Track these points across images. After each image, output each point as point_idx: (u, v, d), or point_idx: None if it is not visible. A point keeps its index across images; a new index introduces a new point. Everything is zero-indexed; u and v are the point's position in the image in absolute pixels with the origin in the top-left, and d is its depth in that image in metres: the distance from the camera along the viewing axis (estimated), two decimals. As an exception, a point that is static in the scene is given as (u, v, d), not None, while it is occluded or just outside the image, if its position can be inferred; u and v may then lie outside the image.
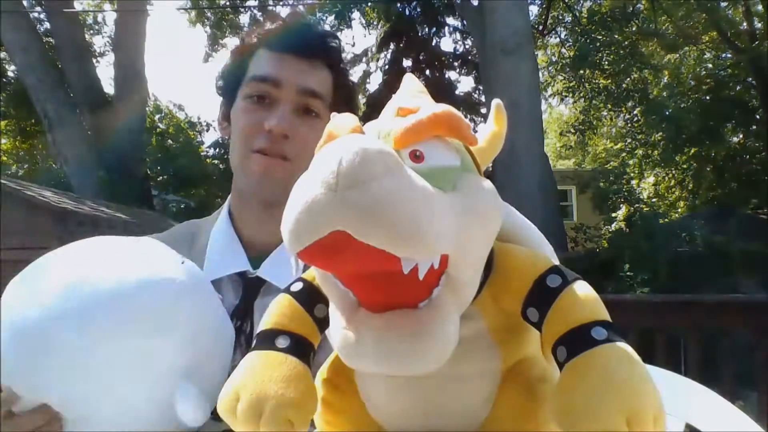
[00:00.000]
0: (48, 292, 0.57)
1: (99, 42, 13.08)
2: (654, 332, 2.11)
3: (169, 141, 12.58)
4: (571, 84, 11.87)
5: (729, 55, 11.79)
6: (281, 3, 11.44)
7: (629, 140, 13.06)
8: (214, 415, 0.64)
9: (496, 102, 0.48)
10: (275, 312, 0.47)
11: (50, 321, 0.55)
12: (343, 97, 0.90)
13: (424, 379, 0.42)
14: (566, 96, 12.50)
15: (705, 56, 12.56)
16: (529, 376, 0.43)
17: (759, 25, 11.24)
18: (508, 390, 0.44)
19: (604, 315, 0.38)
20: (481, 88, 11.73)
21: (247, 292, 0.82)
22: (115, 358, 0.56)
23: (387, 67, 12.26)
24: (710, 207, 10.59)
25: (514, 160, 6.55)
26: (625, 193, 9.83)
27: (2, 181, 5.46)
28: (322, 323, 0.46)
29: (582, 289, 0.39)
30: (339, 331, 0.37)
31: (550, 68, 12.98)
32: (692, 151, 11.51)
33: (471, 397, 0.44)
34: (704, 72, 11.99)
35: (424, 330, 0.34)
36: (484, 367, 0.44)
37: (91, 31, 12.76)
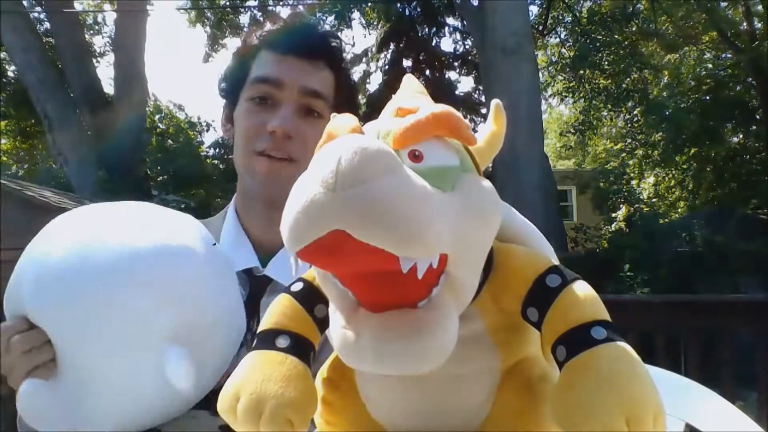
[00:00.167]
0: (76, 240, 0.61)
1: (99, 42, 13.09)
2: (654, 332, 2.11)
3: (169, 141, 12.57)
4: (571, 84, 11.87)
5: (729, 55, 11.80)
6: (281, 3, 11.44)
7: (629, 140, 13.06)
8: (212, 411, 0.64)
9: (495, 102, 0.48)
10: (275, 312, 0.47)
11: (72, 264, 0.59)
12: (345, 97, 0.91)
13: (424, 378, 0.42)
14: (566, 96, 12.50)
15: (705, 56, 12.57)
16: (529, 376, 0.43)
17: (759, 25, 11.24)
18: (507, 390, 0.44)
19: (604, 315, 0.38)
20: (481, 88, 11.73)
21: (254, 290, 0.82)
22: (118, 312, 0.58)
23: (387, 67, 12.26)
24: (710, 207, 10.59)
25: (514, 160, 6.56)
26: (625, 193, 9.84)
27: (2, 181, 5.46)
28: (322, 323, 0.46)
29: (582, 288, 0.39)
30: (338, 330, 0.37)
31: (550, 68, 12.98)
32: (692, 151, 11.51)
33: (471, 397, 0.44)
34: (704, 72, 11.99)
35: (424, 329, 0.34)
36: (483, 367, 0.44)
37: (91, 31, 12.76)
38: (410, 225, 0.31)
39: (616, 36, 10.56)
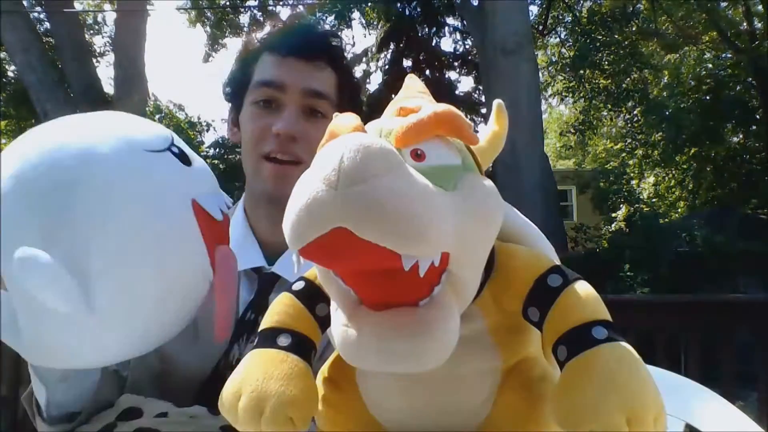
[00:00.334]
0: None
1: (99, 42, 13.09)
2: (654, 332, 2.11)
3: (170, 141, 12.54)
4: (571, 84, 11.87)
5: (729, 55, 11.79)
6: (281, 3, 11.45)
7: (629, 140, 13.06)
8: (213, 410, 0.65)
9: (497, 102, 0.48)
10: (277, 310, 0.47)
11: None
12: (348, 96, 0.91)
13: (425, 377, 0.42)
14: (566, 96, 12.50)
15: (705, 56, 12.56)
16: (529, 375, 0.43)
17: (759, 25, 11.24)
18: (508, 389, 0.44)
19: (605, 315, 0.38)
20: (481, 88, 11.72)
21: (262, 287, 0.83)
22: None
23: (387, 67, 12.26)
24: (710, 207, 10.60)
25: (514, 160, 6.55)
26: (625, 193, 9.83)
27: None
28: (324, 322, 0.46)
29: (583, 288, 0.40)
30: (340, 328, 0.37)
31: (550, 68, 12.98)
32: (692, 151, 11.51)
33: (471, 397, 0.45)
34: (704, 72, 11.99)
35: (425, 328, 0.34)
36: (484, 367, 0.44)
37: (91, 31, 12.76)
38: (412, 223, 0.31)
39: (616, 36, 10.57)
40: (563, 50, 12.57)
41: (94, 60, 10.99)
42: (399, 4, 11.66)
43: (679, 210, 12.27)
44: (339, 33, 1.05)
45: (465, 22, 10.95)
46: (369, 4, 11.74)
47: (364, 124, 0.40)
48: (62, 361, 0.54)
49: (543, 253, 0.45)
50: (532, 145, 6.81)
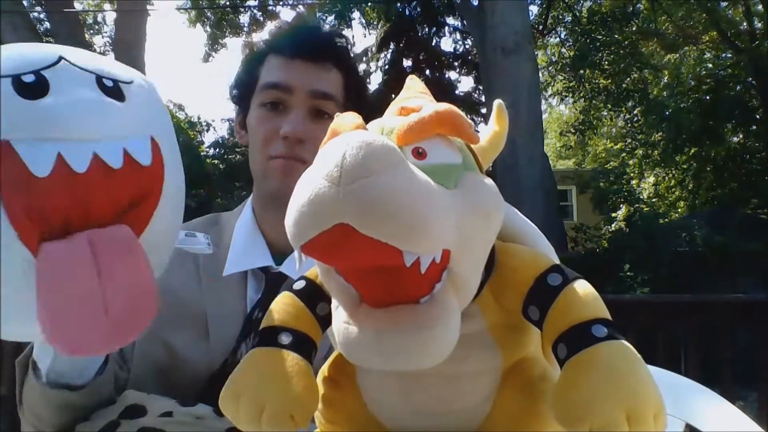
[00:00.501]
0: None
1: (99, 42, 13.10)
2: (654, 332, 2.11)
3: (169, 141, 12.53)
4: (571, 84, 11.88)
5: (729, 55, 11.79)
6: (281, 3, 11.45)
7: (629, 140, 13.07)
8: (218, 410, 0.64)
9: (497, 102, 0.48)
10: (277, 309, 0.47)
11: None
12: (354, 95, 0.92)
13: (425, 376, 0.43)
14: (566, 96, 12.51)
15: (705, 56, 12.56)
16: (529, 375, 0.43)
17: (759, 25, 11.24)
18: (508, 389, 0.44)
19: (605, 313, 0.38)
20: (481, 88, 11.73)
21: (269, 287, 0.83)
22: None
23: (387, 67, 12.26)
24: (710, 207, 10.59)
25: (514, 160, 6.56)
26: (625, 193, 9.84)
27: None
28: (324, 321, 0.46)
29: (583, 287, 0.40)
30: (341, 326, 0.37)
31: (550, 68, 12.99)
32: (692, 151, 11.51)
33: (471, 396, 0.45)
34: (704, 72, 11.98)
35: (426, 325, 0.35)
36: (484, 366, 0.44)
37: (91, 31, 12.77)
38: (413, 219, 0.32)
39: (616, 36, 10.58)
40: (563, 50, 12.58)
41: (94, 60, 10.97)
42: (399, 4, 11.67)
43: (679, 210, 12.27)
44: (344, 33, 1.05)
45: (465, 22, 10.95)
46: (369, 4, 11.75)
47: (366, 123, 0.40)
48: None
49: (543, 252, 0.45)
50: (532, 145, 6.81)
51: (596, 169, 12.56)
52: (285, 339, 0.44)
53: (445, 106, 0.39)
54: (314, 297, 0.47)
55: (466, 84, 40.67)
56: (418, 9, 11.96)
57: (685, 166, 12.15)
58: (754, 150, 11.28)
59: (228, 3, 12.08)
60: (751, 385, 2.03)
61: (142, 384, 0.72)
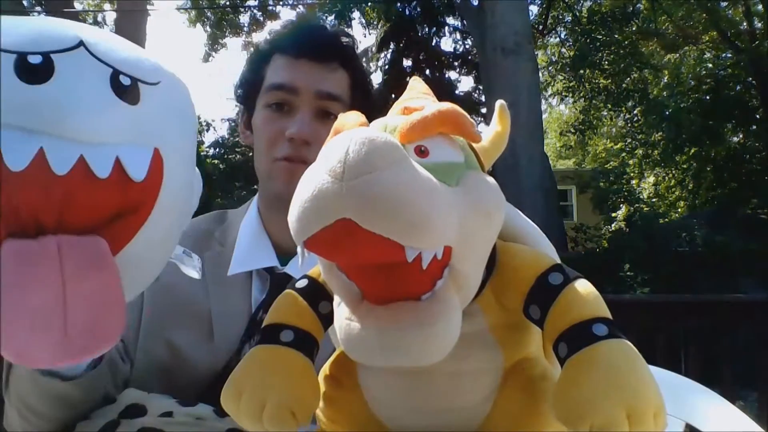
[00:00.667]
0: None
1: (99, 42, 13.07)
2: (654, 332, 2.11)
3: (169, 141, 12.52)
4: (571, 84, 11.88)
5: (729, 55, 11.79)
6: (281, 3, 11.45)
7: (629, 140, 13.08)
8: (219, 410, 0.64)
9: (500, 103, 0.48)
10: (280, 307, 0.47)
11: None
12: (361, 95, 0.91)
13: (426, 374, 0.43)
14: (566, 96, 12.51)
15: (705, 56, 12.56)
16: (530, 374, 0.43)
17: (759, 25, 11.24)
18: (509, 388, 0.44)
19: (605, 312, 0.38)
20: (481, 88, 11.73)
21: (274, 287, 0.83)
22: None
23: (387, 67, 12.25)
24: (710, 207, 10.59)
25: (514, 160, 6.56)
26: (625, 193, 9.85)
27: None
28: (326, 320, 0.46)
29: (583, 286, 0.40)
30: (343, 322, 0.38)
31: (550, 68, 12.99)
32: (692, 151, 11.51)
33: (472, 395, 0.45)
34: (704, 72, 11.98)
35: (427, 322, 0.35)
36: (485, 365, 0.44)
37: (91, 31, 12.75)
38: (416, 214, 0.32)
39: (616, 36, 10.58)
40: (563, 50, 12.58)
41: (94, 60, 10.97)
42: (399, 4, 11.67)
43: (679, 210, 12.27)
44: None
45: (465, 22, 10.95)
46: (369, 4, 11.74)
47: (369, 122, 0.41)
48: None
49: (544, 252, 0.45)
50: (532, 145, 6.81)
51: (596, 169, 12.58)
52: (287, 336, 0.44)
53: (447, 105, 0.39)
54: (316, 295, 0.47)
55: (466, 84, 40.71)
56: (418, 9, 11.95)
57: (685, 166, 12.15)
58: (754, 150, 11.28)
59: (228, 3, 12.08)
60: (751, 385, 2.03)
61: (145, 382, 0.72)
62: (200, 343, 0.78)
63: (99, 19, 12.89)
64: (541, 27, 11.91)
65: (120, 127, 0.40)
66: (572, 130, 13.28)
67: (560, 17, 12.46)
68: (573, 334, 0.37)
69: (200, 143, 13.41)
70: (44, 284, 0.36)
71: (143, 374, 0.76)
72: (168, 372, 0.77)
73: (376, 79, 12.79)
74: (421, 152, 0.37)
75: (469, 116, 0.40)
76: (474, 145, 0.43)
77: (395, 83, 10.40)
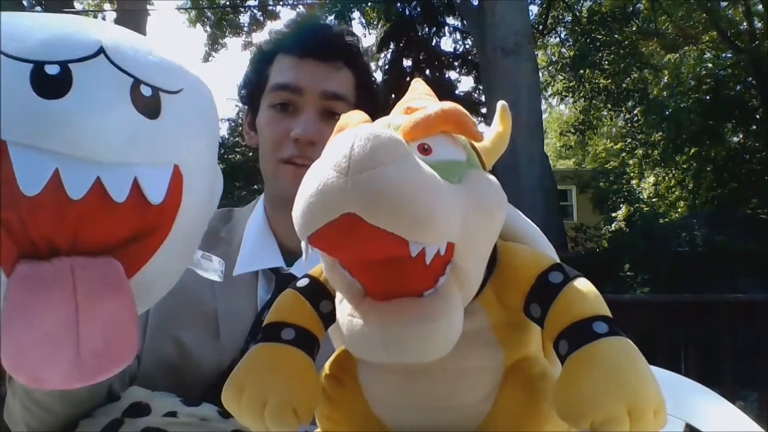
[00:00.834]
0: None
1: (99, 42, 13.07)
2: (654, 332, 2.11)
3: (169, 141, 12.53)
4: (571, 84, 11.89)
5: (729, 55, 11.80)
6: (281, 3, 11.45)
7: (629, 140, 13.08)
8: (223, 410, 0.64)
9: (501, 104, 0.48)
10: (281, 306, 0.47)
11: None
12: (366, 94, 0.90)
13: (426, 373, 0.43)
14: (566, 96, 12.52)
15: (705, 56, 12.56)
16: (530, 373, 0.44)
17: (759, 25, 11.25)
18: (509, 387, 0.44)
19: (606, 310, 0.38)
20: (481, 88, 11.73)
21: (279, 288, 0.83)
22: None
23: (387, 67, 12.25)
24: (710, 207, 10.60)
25: (514, 160, 6.56)
26: (625, 193, 9.86)
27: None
28: (327, 319, 0.46)
29: (583, 285, 0.40)
30: (345, 318, 0.38)
31: (550, 68, 13.00)
32: (692, 151, 11.52)
33: (472, 393, 0.45)
34: (704, 72, 11.98)
35: (430, 317, 0.35)
36: (486, 363, 0.44)
37: (91, 31, 12.75)
38: (420, 208, 0.32)
39: (616, 36, 10.59)
40: (563, 50, 12.59)
41: (94, 60, 10.97)
42: (399, 4, 11.67)
43: (679, 210, 12.27)
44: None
45: (465, 22, 10.95)
46: (369, 4, 11.75)
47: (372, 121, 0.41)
48: None
49: (544, 251, 0.45)
50: (532, 145, 6.82)
51: (596, 169, 12.59)
52: (288, 335, 0.44)
53: (450, 104, 0.40)
54: (317, 294, 0.47)
55: (466, 84, 40.70)
56: (418, 9, 11.96)
57: (685, 166, 12.15)
58: (754, 150, 11.28)
59: (228, 3, 12.08)
60: (751, 385, 2.03)
61: (151, 379, 0.72)
62: (206, 342, 0.78)
63: (99, 19, 12.90)
64: (541, 27, 11.92)
65: (139, 145, 0.38)
66: (572, 130, 13.29)
67: (560, 17, 12.47)
68: (573, 332, 0.37)
69: (200, 143, 13.38)
70: (57, 307, 0.35)
71: (150, 372, 0.76)
72: (174, 370, 0.77)
73: (376, 79, 12.81)
74: (424, 150, 0.37)
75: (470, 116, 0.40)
76: (476, 144, 0.43)
77: (395, 83, 10.39)
